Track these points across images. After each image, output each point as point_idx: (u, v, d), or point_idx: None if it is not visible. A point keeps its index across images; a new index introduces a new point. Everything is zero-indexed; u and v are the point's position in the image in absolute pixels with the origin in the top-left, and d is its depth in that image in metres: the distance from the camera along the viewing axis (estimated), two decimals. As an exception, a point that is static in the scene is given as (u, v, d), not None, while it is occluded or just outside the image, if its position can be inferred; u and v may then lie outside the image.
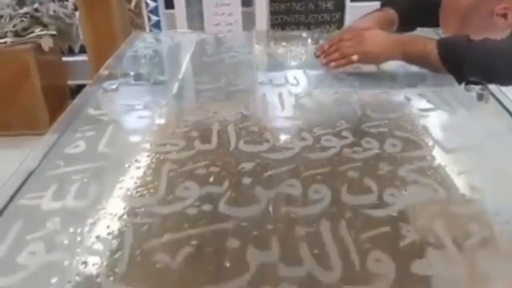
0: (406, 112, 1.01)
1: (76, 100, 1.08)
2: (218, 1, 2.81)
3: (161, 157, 0.84)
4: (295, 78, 1.18)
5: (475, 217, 0.69)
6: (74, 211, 0.71)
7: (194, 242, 0.65)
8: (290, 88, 1.12)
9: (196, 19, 2.93)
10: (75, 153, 0.86)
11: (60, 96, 3.00)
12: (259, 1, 2.88)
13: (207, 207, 0.71)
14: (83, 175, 0.79)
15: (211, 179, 0.77)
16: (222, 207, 0.71)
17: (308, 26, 3.03)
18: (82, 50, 3.09)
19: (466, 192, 0.74)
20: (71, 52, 3.21)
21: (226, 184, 0.76)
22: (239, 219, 0.69)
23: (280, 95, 1.09)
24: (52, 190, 0.75)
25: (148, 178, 0.78)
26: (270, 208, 0.71)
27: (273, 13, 3.00)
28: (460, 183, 0.76)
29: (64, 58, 3.14)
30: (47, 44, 2.64)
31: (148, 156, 0.84)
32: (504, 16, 1.13)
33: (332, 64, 1.20)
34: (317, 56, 1.27)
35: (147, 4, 2.97)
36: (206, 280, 0.59)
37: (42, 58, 2.75)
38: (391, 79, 1.18)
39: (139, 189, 0.75)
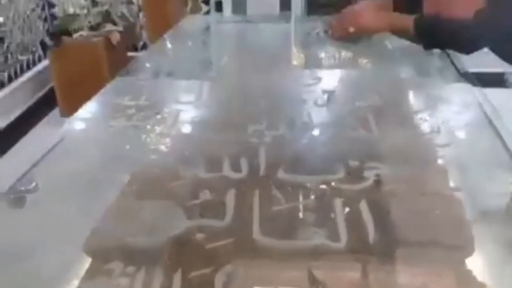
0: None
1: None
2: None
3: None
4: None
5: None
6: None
7: None
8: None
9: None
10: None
11: (125, 85, 3.49)
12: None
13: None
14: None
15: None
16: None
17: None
18: (144, 47, 3.59)
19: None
20: (134, 49, 3.71)
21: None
22: None
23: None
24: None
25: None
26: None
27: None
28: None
29: (129, 53, 3.64)
30: (115, 38, 3.14)
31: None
32: None
33: (336, 35, 1.57)
34: (326, 31, 1.64)
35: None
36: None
37: (111, 51, 3.25)
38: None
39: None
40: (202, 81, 1.31)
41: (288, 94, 1.23)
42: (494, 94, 1.42)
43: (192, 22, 1.94)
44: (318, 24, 1.71)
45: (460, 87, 1.23)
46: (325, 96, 1.17)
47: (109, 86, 1.24)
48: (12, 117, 2.98)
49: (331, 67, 1.48)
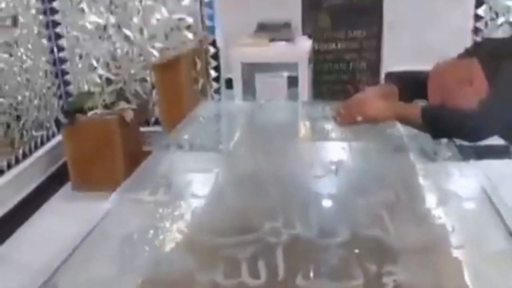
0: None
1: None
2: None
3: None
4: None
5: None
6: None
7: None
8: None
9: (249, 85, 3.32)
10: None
11: (137, 161, 3.53)
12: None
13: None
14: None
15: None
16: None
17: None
18: (156, 122, 3.68)
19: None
20: (147, 123, 3.80)
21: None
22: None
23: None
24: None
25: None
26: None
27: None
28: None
29: (142, 129, 3.71)
30: (129, 116, 3.23)
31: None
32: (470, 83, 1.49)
33: (344, 123, 1.62)
34: (334, 118, 1.69)
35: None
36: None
37: (124, 128, 3.32)
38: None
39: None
40: (216, 170, 1.35)
41: (301, 184, 1.26)
42: (500, 165, 1.45)
43: (206, 108, 2.01)
44: (325, 110, 1.77)
45: (467, 167, 1.27)
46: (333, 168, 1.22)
47: (130, 180, 1.28)
48: (26, 191, 3.02)
49: (338, 139, 1.56)
